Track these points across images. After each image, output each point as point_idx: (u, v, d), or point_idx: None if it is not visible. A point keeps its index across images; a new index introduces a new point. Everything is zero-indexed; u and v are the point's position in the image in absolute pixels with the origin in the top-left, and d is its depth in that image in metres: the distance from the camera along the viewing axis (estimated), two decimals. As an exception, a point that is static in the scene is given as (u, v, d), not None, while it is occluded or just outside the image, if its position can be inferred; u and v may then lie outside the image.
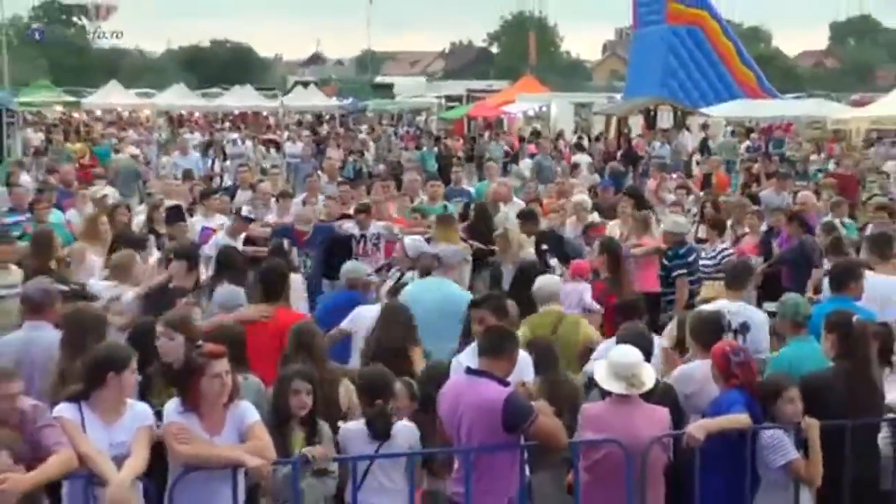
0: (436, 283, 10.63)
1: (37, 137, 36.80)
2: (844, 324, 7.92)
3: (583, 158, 28.35)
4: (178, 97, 58.39)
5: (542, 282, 10.23)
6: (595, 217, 15.68)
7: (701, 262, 13.12)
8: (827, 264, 11.94)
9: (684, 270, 12.74)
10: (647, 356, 7.62)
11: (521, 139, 38.54)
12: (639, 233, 13.81)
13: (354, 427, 7.30)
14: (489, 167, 22.22)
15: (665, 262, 13.00)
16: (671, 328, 9.74)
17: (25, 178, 20.03)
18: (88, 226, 13.24)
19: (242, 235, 13.76)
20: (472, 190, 19.73)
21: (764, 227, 14.86)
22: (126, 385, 6.57)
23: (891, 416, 7.57)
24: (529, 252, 13.17)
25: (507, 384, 7.00)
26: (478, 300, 8.69)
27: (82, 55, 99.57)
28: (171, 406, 6.55)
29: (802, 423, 7.19)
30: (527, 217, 14.49)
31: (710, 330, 8.28)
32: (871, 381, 7.78)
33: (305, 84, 65.37)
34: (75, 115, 52.89)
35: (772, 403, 7.26)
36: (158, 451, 6.50)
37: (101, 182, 20.23)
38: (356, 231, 14.48)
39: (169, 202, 15.46)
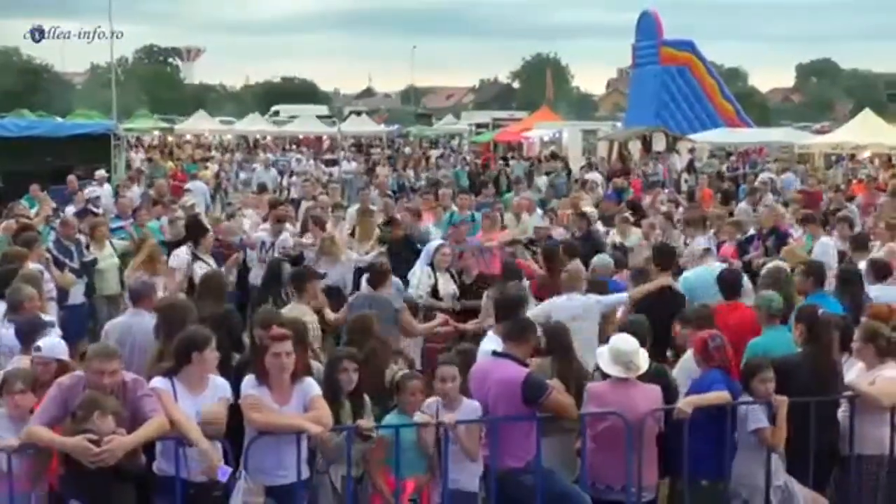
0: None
1: (138, 158, 37.00)
2: (811, 315, 7.91)
3: (595, 176, 27.98)
4: (253, 124, 58.76)
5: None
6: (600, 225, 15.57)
7: None
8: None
9: None
10: (643, 342, 7.56)
11: (538, 160, 38.44)
12: (488, 230, 14.07)
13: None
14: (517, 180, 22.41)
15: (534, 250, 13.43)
16: None
17: (134, 191, 20.16)
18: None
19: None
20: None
21: (739, 236, 14.64)
22: (207, 361, 6.56)
23: (848, 393, 7.48)
24: (351, 255, 13.02)
25: (526, 365, 7.01)
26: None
27: (175, 89, 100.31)
28: (248, 381, 6.54)
29: (773, 400, 7.12)
30: None
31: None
32: (833, 363, 7.71)
33: (359, 113, 65.85)
34: (169, 138, 53.21)
35: (750, 382, 7.20)
36: (237, 417, 6.51)
37: (189, 194, 20.32)
38: (267, 238, 13.67)
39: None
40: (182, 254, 11.62)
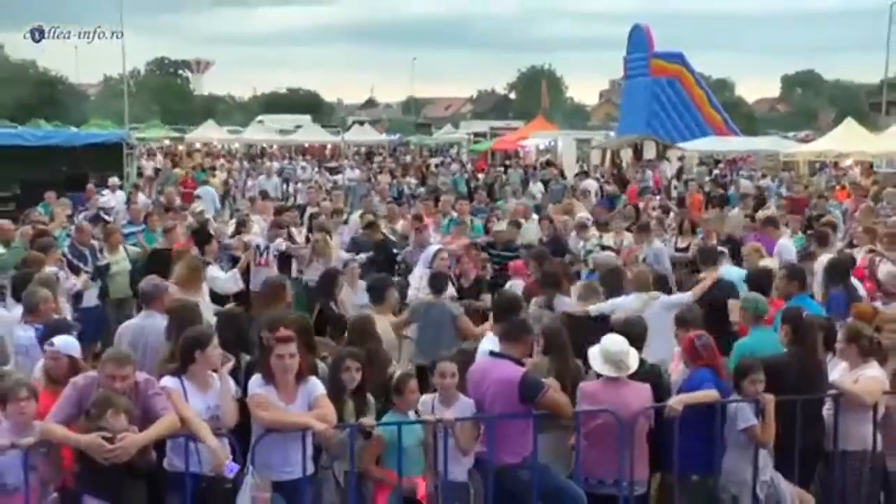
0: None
1: (150, 166, 36.98)
2: (796, 317, 7.92)
3: (589, 184, 27.80)
4: (260, 133, 58.74)
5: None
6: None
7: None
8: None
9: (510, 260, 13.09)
10: (637, 342, 7.56)
11: (533, 167, 38.44)
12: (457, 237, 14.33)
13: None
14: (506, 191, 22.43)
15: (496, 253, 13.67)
16: None
17: (142, 198, 20.18)
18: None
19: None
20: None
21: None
22: (211, 357, 6.57)
23: (833, 392, 7.49)
24: (342, 255, 13.25)
25: (523, 364, 7.01)
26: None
27: (185, 100, 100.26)
28: (255, 380, 6.54)
29: (761, 398, 7.12)
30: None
31: None
32: (818, 363, 7.73)
33: (361, 123, 65.87)
34: (180, 147, 53.20)
35: (741, 381, 7.21)
36: (244, 415, 6.51)
37: (198, 201, 20.33)
38: (261, 242, 13.63)
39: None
40: None
